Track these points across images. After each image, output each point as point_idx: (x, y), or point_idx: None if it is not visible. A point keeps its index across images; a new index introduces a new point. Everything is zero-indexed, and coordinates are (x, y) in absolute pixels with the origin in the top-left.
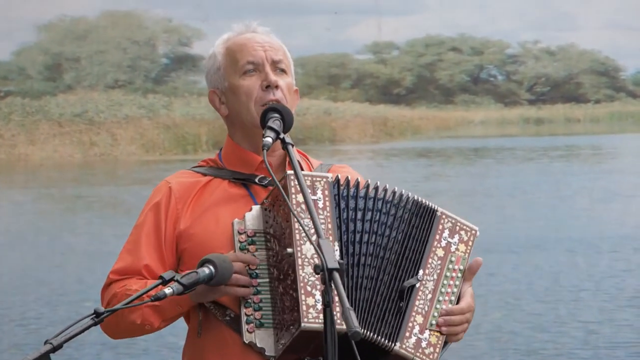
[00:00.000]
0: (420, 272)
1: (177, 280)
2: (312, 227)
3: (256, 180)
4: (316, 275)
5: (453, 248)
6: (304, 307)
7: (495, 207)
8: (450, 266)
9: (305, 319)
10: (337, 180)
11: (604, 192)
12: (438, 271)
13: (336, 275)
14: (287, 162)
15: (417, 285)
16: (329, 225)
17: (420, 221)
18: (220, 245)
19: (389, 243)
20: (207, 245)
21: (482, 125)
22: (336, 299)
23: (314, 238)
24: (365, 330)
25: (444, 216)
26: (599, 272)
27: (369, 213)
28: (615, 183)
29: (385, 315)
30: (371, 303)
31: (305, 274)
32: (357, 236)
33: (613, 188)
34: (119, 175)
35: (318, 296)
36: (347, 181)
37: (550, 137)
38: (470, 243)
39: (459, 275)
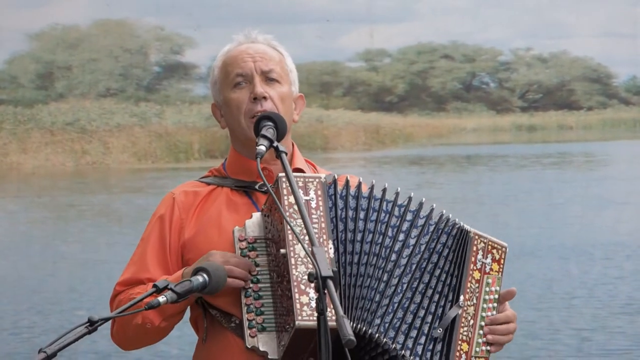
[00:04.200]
0: (461, 297)
1: (170, 289)
2: (305, 230)
3: (257, 187)
4: None
5: (487, 269)
6: (298, 306)
7: (487, 214)
8: (487, 289)
9: (300, 317)
10: (334, 181)
11: (597, 200)
12: (477, 295)
13: (330, 283)
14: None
15: (460, 312)
16: (323, 225)
17: (454, 242)
18: None
19: (403, 249)
20: None
21: (475, 132)
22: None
23: (306, 243)
24: (362, 325)
25: (477, 237)
26: (592, 280)
27: (374, 213)
28: (608, 190)
29: (412, 333)
30: (372, 302)
31: (299, 273)
32: (358, 235)
33: (606, 195)
34: (111, 184)
35: (312, 294)
36: (347, 182)
37: (542, 144)
38: (502, 261)
39: (496, 296)
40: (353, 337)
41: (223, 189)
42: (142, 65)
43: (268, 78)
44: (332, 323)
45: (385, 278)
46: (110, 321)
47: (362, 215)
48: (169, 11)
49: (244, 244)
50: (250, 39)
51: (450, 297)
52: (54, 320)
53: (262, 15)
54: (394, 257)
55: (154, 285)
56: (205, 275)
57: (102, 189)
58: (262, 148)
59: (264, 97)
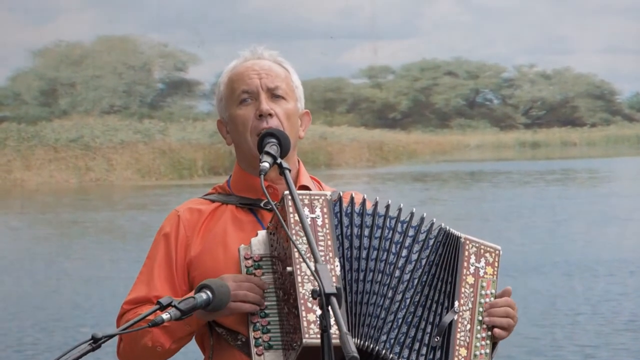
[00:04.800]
0: (456, 303)
1: (174, 306)
2: (309, 249)
3: (262, 204)
4: None
5: (482, 272)
6: (305, 324)
7: (491, 231)
8: (483, 292)
9: (307, 335)
10: (340, 198)
11: (600, 216)
12: (472, 299)
13: (334, 300)
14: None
15: (455, 317)
16: (329, 242)
17: (445, 249)
18: (229, 272)
19: (406, 265)
20: (216, 273)
21: (478, 149)
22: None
23: (311, 261)
24: (369, 343)
25: (467, 241)
26: (595, 296)
27: (379, 230)
28: (611, 206)
29: (415, 345)
30: (378, 319)
31: (305, 290)
32: (364, 252)
33: (609, 211)
34: (115, 201)
35: (319, 312)
36: (352, 199)
37: (546, 160)
38: (496, 264)
39: (492, 299)
40: (357, 354)
41: (228, 207)
42: (146, 82)
43: (274, 95)
44: (336, 341)
45: (390, 294)
46: (115, 338)
47: (366, 232)
48: (172, 27)
49: (250, 262)
50: (256, 55)
51: (446, 304)
52: (58, 337)
53: (266, 32)
54: (397, 273)
55: (158, 302)
56: (208, 292)
57: (105, 205)
58: (266, 165)
59: (270, 114)
